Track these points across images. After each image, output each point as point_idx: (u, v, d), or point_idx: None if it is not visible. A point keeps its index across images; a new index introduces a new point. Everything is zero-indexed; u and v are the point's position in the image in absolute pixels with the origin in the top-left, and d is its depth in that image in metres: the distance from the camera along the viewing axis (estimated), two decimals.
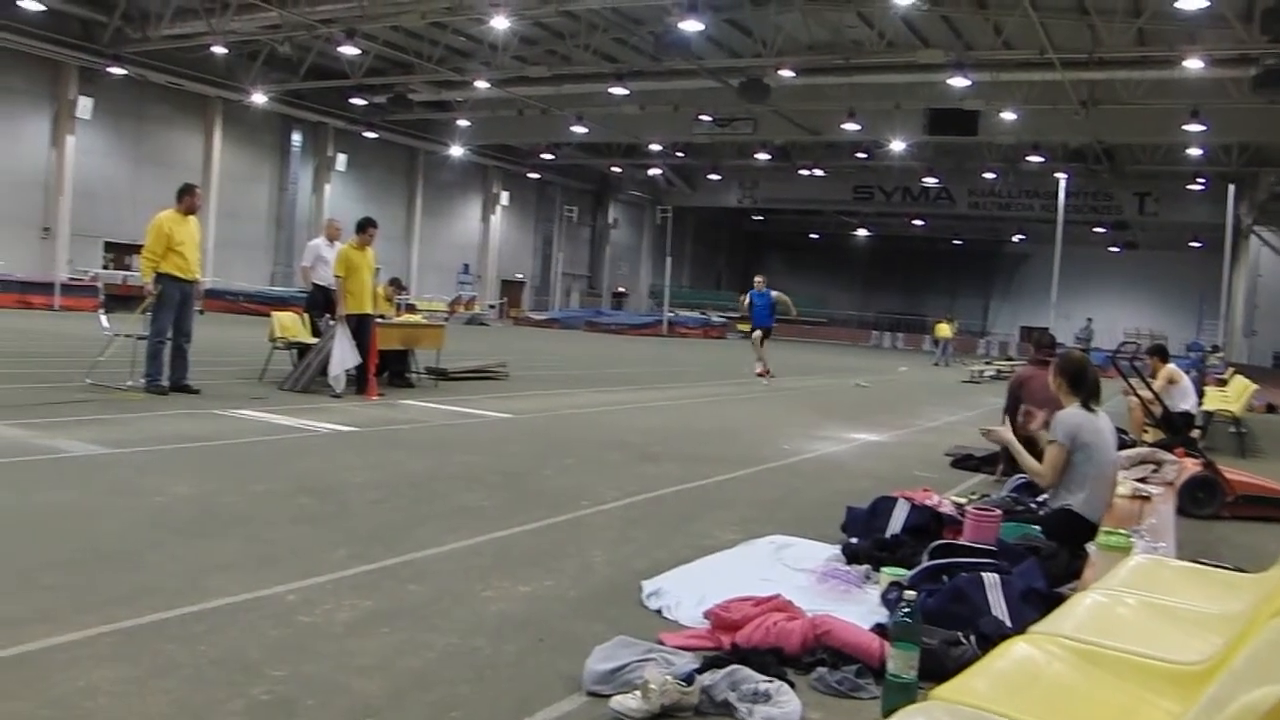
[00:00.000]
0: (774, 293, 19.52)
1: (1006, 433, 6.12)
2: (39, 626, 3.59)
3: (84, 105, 32.38)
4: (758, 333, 19.34)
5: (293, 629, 3.79)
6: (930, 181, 47.77)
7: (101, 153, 33.84)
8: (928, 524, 5.51)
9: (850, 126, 34.14)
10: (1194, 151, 34.95)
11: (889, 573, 4.67)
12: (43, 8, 28.50)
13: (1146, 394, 10.46)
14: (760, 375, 18.61)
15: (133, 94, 34.10)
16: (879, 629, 3.90)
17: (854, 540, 5.44)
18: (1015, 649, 2.27)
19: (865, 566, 5.01)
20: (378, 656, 3.58)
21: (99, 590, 4.07)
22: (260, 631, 3.74)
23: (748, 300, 19.57)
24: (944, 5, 24.93)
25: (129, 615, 3.78)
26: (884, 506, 5.71)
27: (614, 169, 52.90)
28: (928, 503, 5.81)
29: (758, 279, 19.67)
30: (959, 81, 26.83)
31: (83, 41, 31.18)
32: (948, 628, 3.84)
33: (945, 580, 4.35)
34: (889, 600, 4.31)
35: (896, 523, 5.53)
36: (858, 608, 4.40)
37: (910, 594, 3.51)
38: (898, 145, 38.18)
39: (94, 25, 31.07)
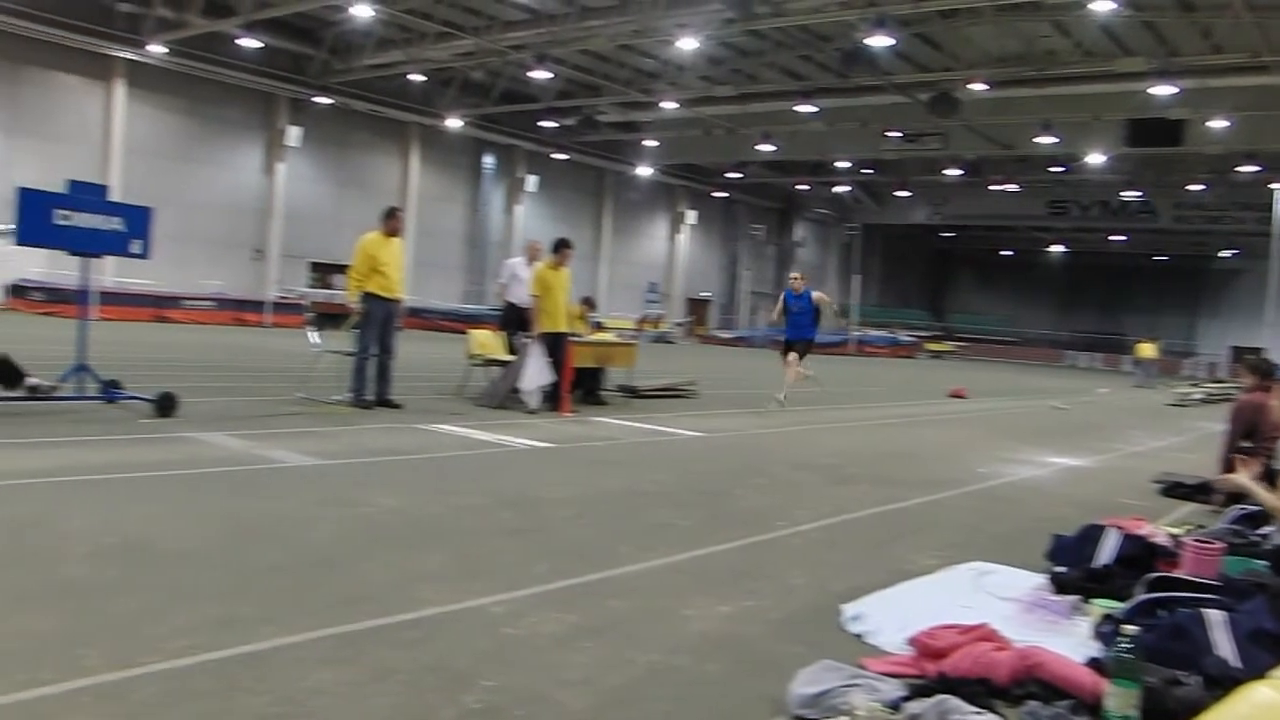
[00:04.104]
0: (815, 294, 15.04)
1: (1241, 479, 5.76)
2: (267, 627, 3.79)
3: (293, 134, 34.23)
4: (792, 355, 14.90)
5: (499, 640, 3.89)
6: (1131, 195, 45.87)
7: (308, 178, 35.67)
8: (1140, 555, 5.27)
9: (1045, 140, 33.12)
10: None
11: (1101, 605, 4.49)
12: (259, 44, 30.32)
13: None
14: (779, 397, 14.41)
15: (337, 122, 35.85)
16: (1093, 664, 3.75)
17: (1061, 569, 5.24)
18: (1257, 694, 2.15)
19: (1074, 597, 4.82)
20: (582, 671, 3.64)
21: (318, 595, 4.27)
22: (469, 641, 3.85)
23: (780, 305, 15.17)
24: (1146, 10, 23.85)
25: (347, 620, 3.95)
26: (1093, 535, 5.48)
27: (800, 187, 52.63)
28: (1139, 532, 5.56)
29: (794, 276, 15.48)
30: (1163, 90, 25.68)
31: (293, 74, 33.00)
32: (1166, 666, 3.66)
33: (1161, 615, 4.16)
34: (1103, 634, 4.13)
35: (1107, 552, 5.30)
36: (1067, 640, 4.23)
37: (1130, 628, 3.37)
38: (1095, 158, 36.79)
39: (303, 58, 32.84)
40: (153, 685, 3.21)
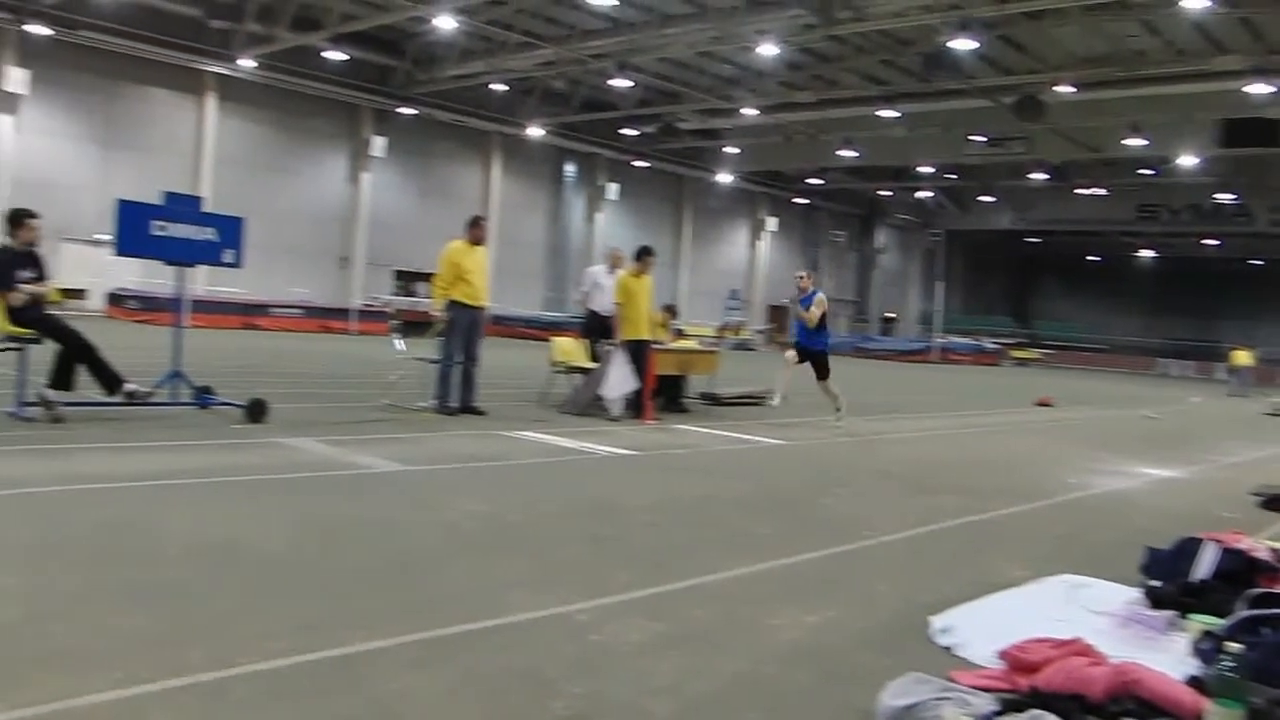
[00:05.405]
0: (820, 294, 12.84)
1: None
2: (356, 631, 3.83)
3: (378, 144, 34.83)
4: (793, 351, 13.06)
5: (586, 647, 3.90)
6: (1225, 198, 44.71)
7: (392, 187, 36.26)
8: (1240, 569, 5.10)
9: (1134, 142, 32.46)
10: None
11: (1199, 620, 4.36)
12: (345, 57, 30.94)
13: None
14: (837, 417, 12.87)
15: (420, 132, 36.39)
16: (1193, 682, 3.64)
17: (1156, 583, 5.10)
18: None
19: (1170, 612, 4.69)
20: (669, 679, 3.63)
21: (407, 599, 4.32)
22: (556, 648, 3.85)
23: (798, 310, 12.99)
24: (1242, 6, 23.21)
25: (435, 625, 3.99)
26: (1189, 548, 5.33)
27: (882, 193, 52.27)
28: (1239, 546, 5.39)
29: (799, 275, 13.44)
30: (1260, 88, 25.03)
31: (377, 85, 33.59)
32: (1272, 685, 3.55)
33: (1265, 633, 4.03)
34: (1202, 651, 4.02)
35: (1204, 567, 5.14)
36: (1163, 656, 4.12)
37: (1234, 646, 3.28)
38: (1187, 160, 35.94)
39: (387, 70, 33.40)
40: (247, 686, 3.27)
